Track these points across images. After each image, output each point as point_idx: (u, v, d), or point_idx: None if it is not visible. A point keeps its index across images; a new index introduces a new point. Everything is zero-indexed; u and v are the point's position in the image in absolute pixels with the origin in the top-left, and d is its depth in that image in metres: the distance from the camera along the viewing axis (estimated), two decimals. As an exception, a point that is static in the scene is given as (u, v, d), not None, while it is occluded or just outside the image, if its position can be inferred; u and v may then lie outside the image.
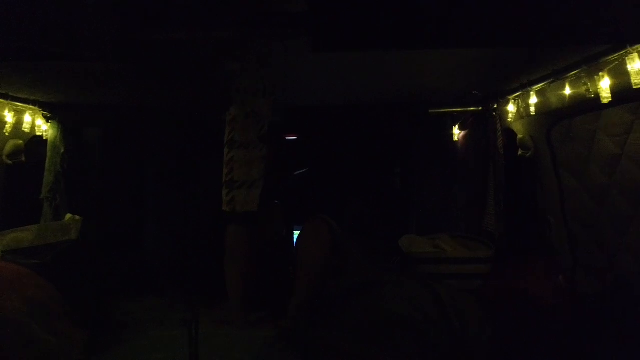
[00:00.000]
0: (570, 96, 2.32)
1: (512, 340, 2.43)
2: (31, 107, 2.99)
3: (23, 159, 3.12)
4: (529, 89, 2.61)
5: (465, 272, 3.09)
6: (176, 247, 3.61)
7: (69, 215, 3.04)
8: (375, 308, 2.30)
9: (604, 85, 1.96)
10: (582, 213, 2.80)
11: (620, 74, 1.88)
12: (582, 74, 2.09)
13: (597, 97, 2.04)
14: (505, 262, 2.98)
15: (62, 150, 3.26)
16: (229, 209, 2.76)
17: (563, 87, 2.31)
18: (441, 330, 2.19)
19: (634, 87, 1.77)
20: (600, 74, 1.96)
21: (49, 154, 3.24)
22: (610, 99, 1.98)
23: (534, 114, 2.68)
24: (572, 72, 2.17)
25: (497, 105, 3.14)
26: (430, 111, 3.37)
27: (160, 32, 1.56)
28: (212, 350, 2.57)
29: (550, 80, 2.39)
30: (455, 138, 3.91)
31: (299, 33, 1.45)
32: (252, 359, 2.46)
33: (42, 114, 3.13)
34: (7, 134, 2.86)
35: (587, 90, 2.06)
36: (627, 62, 1.76)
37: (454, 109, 3.40)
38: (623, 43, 1.74)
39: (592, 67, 2.02)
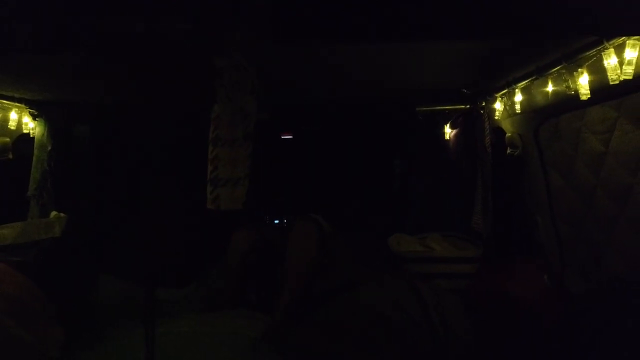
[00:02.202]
0: (554, 93, 2.29)
1: (495, 342, 2.41)
2: (17, 104, 3.00)
3: (10, 156, 3.13)
4: (514, 86, 2.58)
5: (453, 271, 3.07)
6: (163, 244, 3.61)
7: (54, 213, 3.04)
8: (355, 308, 2.28)
9: (583, 82, 1.93)
10: (570, 212, 2.77)
11: (599, 70, 1.85)
12: (563, 71, 2.06)
13: (578, 94, 2.01)
14: (491, 262, 2.95)
15: (49, 148, 3.27)
16: (213, 207, 2.75)
17: (546, 85, 2.29)
18: (423, 331, 2.17)
19: (611, 82, 1.74)
20: (579, 70, 1.93)
21: (35, 151, 3.25)
22: (589, 96, 1.95)
23: (520, 111, 2.65)
24: (553, 68, 2.14)
25: (485, 103, 3.11)
26: (418, 109, 3.35)
27: (113, 22, 1.55)
28: (198, 349, 2.56)
29: (533, 78, 2.36)
30: (447, 137, 3.88)
31: (259, 24, 1.44)
32: (239, 357, 2.44)
33: (29, 112, 3.13)
34: (-9, 131, 2.88)
35: (568, 87, 2.03)
36: (604, 57, 1.73)
37: (442, 107, 3.38)
38: (598, 36, 1.71)
39: (571, 64, 1.99)
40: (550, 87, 2.25)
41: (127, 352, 2.53)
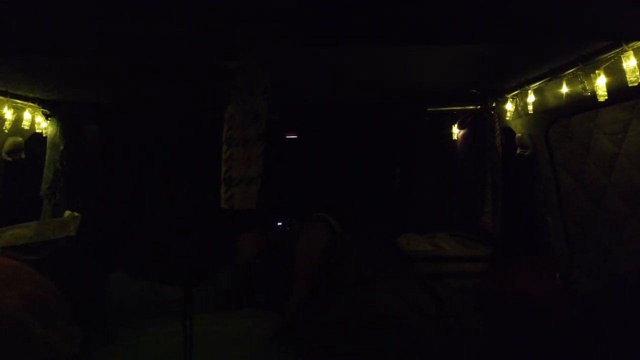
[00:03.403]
0: (568, 94, 2.32)
1: (507, 340, 2.43)
2: (30, 104, 3.00)
3: (23, 156, 3.13)
4: (527, 87, 2.61)
5: (464, 270, 3.10)
6: (173, 243, 3.63)
7: (68, 212, 3.05)
8: (367, 306, 2.30)
9: (600, 84, 1.96)
10: (579, 212, 2.80)
11: (616, 72, 1.88)
12: (579, 72, 2.09)
13: (594, 95, 2.04)
14: (502, 261, 2.98)
15: (62, 148, 3.28)
16: (227, 206, 2.78)
17: (560, 86, 2.31)
18: (437, 328, 2.19)
19: (630, 85, 1.77)
20: (597, 72, 1.96)
21: (48, 151, 3.25)
22: (606, 97, 1.98)
23: (532, 112, 2.67)
24: (568, 70, 2.17)
25: (496, 104, 3.14)
26: (429, 109, 3.38)
27: (140, 25, 1.57)
28: (208, 349, 2.58)
29: (547, 79, 2.39)
30: (455, 137, 3.91)
31: (289, 29, 1.46)
32: (250, 356, 2.46)
33: (42, 111, 3.14)
34: (6, 131, 2.88)
35: (584, 88, 2.06)
36: (623, 60, 1.76)
37: (453, 107, 3.40)
38: (618, 41, 1.74)
39: (588, 65, 2.02)
40: (564, 89, 2.28)
41: (139, 351, 2.55)
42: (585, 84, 2.06)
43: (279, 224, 4.39)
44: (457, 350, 2.17)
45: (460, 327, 2.22)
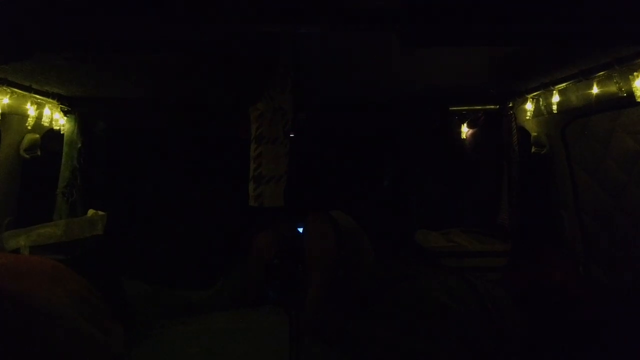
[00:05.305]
0: (595, 95, 2.43)
1: (547, 331, 2.51)
2: (50, 100, 2.93)
3: (39, 153, 3.05)
4: (552, 88, 2.71)
5: (484, 265, 3.18)
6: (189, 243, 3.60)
7: (91, 211, 2.98)
8: (413, 299, 2.34)
9: (639, 85, 2.07)
10: (596, 207, 2.92)
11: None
12: (614, 74, 2.19)
13: (625, 96, 2.15)
14: (526, 255, 3.08)
15: (79, 145, 3.19)
16: (257, 204, 2.78)
17: (589, 87, 2.42)
18: (481, 321, 2.25)
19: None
20: (635, 73, 2.07)
21: (65, 148, 3.17)
22: (645, 98, 2.09)
23: (556, 112, 2.78)
24: (601, 71, 2.28)
25: (513, 104, 3.25)
26: (451, 109, 3.46)
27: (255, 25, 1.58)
28: (236, 345, 2.58)
29: (576, 80, 2.48)
30: (463, 135, 4.01)
31: (388, 28, 1.49)
32: (282, 349, 2.47)
33: (60, 108, 3.06)
34: (29, 127, 2.80)
35: (620, 89, 2.17)
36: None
37: (473, 107, 3.49)
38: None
39: (624, 67, 2.13)
40: (595, 89, 2.38)
41: (180, 347, 2.52)
42: (621, 84, 2.17)
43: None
44: (501, 342, 2.24)
45: (502, 319, 2.29)
